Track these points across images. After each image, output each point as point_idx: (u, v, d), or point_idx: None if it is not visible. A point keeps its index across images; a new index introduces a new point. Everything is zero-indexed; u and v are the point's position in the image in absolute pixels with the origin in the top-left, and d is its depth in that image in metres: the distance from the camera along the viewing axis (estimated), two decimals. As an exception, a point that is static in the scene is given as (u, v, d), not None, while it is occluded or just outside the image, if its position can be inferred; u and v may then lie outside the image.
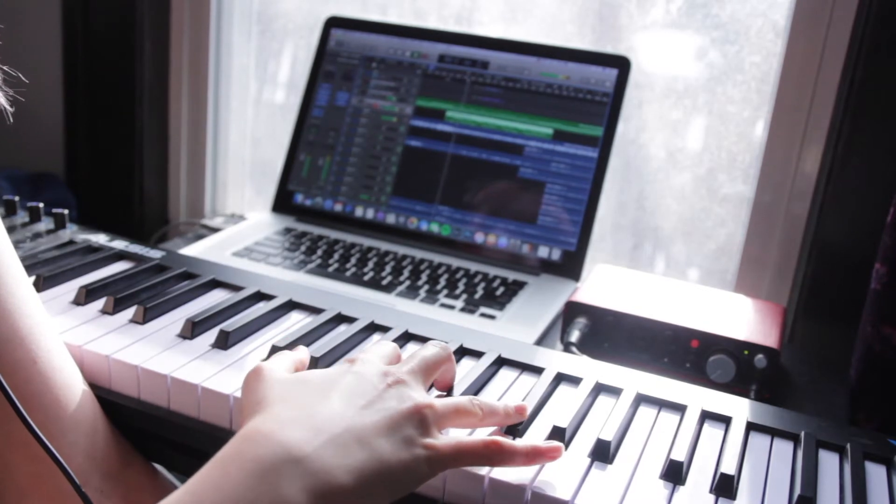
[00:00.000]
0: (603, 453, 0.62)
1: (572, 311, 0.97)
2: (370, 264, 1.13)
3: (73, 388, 0.66)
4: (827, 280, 1.10)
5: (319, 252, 1.16)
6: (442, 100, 1.24)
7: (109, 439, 0.68)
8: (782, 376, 1.00)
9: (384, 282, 1.08)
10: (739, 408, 0.70)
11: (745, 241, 1.20)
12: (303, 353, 0.68)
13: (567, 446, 0.63)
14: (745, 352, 0.90)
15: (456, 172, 1.21)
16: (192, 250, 1.13)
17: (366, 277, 1.09)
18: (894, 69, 1.02)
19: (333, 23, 1.31)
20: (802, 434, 0.66)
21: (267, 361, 0.62)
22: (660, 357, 0.94)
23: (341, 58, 1.30)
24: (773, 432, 0.68)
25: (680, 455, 0.62)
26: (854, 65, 1.05)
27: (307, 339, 0.75)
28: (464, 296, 1.07)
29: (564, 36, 1.33)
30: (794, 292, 1.15)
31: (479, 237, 1.19)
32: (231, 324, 0.75)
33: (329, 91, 1.29)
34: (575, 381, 0.72)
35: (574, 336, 0.94)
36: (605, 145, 1.16)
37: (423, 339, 0.77)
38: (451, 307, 1.04)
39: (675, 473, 0.61)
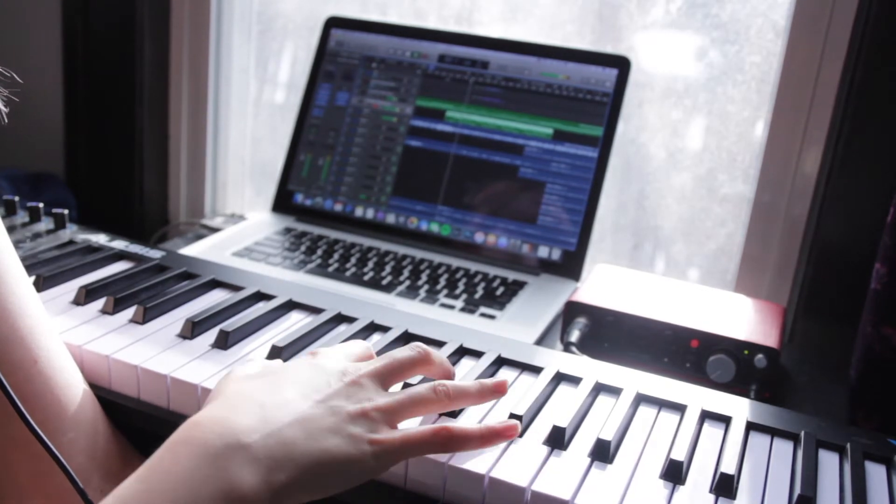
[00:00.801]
0: (603, 453, 0.62)
1: (572, 311, 0.97)
2: (370, 264, 1.13)
3: (73, 387, 0.66)
4: (827, 280, 1.10)
5: (319, 252, 1.16)
6: (442, 100, 1.24)
7: (110, 439, 0.68)
8: (782, 376, 1.00)
9: (384, 282, 1.08)
10: (739, 408, 0.70)
11: (745, 241, 1.20)
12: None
13: (567, 446, 0.63)
14: (745, 352, 0.90)
15: (456, 172, 1.21)
16: (192, 250, 1.13)
17: (366, 277, 1.09)
18: (894, 69, 1.02)
19: (333, 23, 1.31)
20: (802, 434, 0.66)
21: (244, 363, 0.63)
22: (660, 357, 0.94)
23: (341, 58, 1.30)
24: (773, 432, 0.68)
25: (680, 455, 0.62)
26: (854, 65, 1.05)
27: (307, 339, 0.75)
28: (464, 296, 1.07)
29: (564, 36, 1.33)
30: (794, 292, 1.15)
31: (479, 237, 1.19)
32: (231, 324, 0.75)
33: (329, 91, 1.29)
34: (575, 380, 0.72)
35: (574, 336, 0.94)
36: (605, 145, 1.16)
37: (423, 340, 0.77)
38: (451, 307, 1.04)
39: (675, 473, 0.61)
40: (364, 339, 0.77)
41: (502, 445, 0.61)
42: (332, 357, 0.62)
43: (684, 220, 1.31)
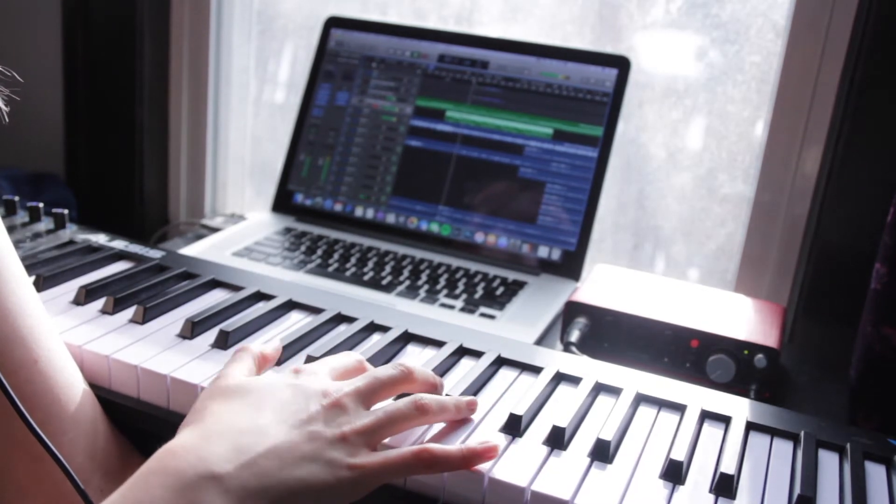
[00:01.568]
0: (603, 453, 0.62)
1: (572, 310, 0.97)
2: (370, 264, 1.13)
3: (73, 387, 0.66)
4: (827, 280, 1.10)
5: (319, 252, 1.16)
6: (442, 100, 1.24)
7: (110, 439, 0.68)
8: (782, 376, 1.00)
9: (384, 282, 1.08)
10: (739, 407, 0.70)
11: (745, 241, 1.20)
12: (268, 349, 0.68)
13: (567, 446, 0.63)
14: (745, 352, 0.90)
15: (456, 172, 1.21)
16: (192, 250, 1.13)
17: (366, 277, 1.09)
18: (894, 69, 1.02)
19: (333, 23, 1.31)
20: (802, 434, 0.66)
21: (227, 367, 0.62)
22: (660, 357, 0.94)
23: (341, 58, 1.30)
24: (772, 432, 0.68)
25: (680, 455, 0.62)
26: (854, 65, 1.05)
27: (307, 339, 0.75)
28: (464, 296, 1.07)
29: (564, 36, 1.33)
30: (794, 292, 1.15)
31: (479, 237, 1.19)
32: (231, 324, 0.75)
33: (329, 91, 1.29)
34: (575, 380, 0.72)
35: (574, 336, 0.94)
36: (605, 145, 1.16)
37: (423, 339, 0.77)
38: (451, 307, 1.04)
39: (674, 473, 0.61)
40: (364, 339, 0.77)
41: (502, 445, 0.61)
42: (314, 374, 0.61)
43: (684, 220, 1.31)
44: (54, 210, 0.94)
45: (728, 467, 0.61)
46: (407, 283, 1.09)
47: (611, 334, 0.96)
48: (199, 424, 0.55)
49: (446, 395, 0.66)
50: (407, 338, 0.77)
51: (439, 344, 0.76)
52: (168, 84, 1.50)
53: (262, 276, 0.87)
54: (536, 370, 0.73)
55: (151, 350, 0.71)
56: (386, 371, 0.63)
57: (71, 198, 1.56)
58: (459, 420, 0.64)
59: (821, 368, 1.03)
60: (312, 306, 0.81)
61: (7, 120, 0.63)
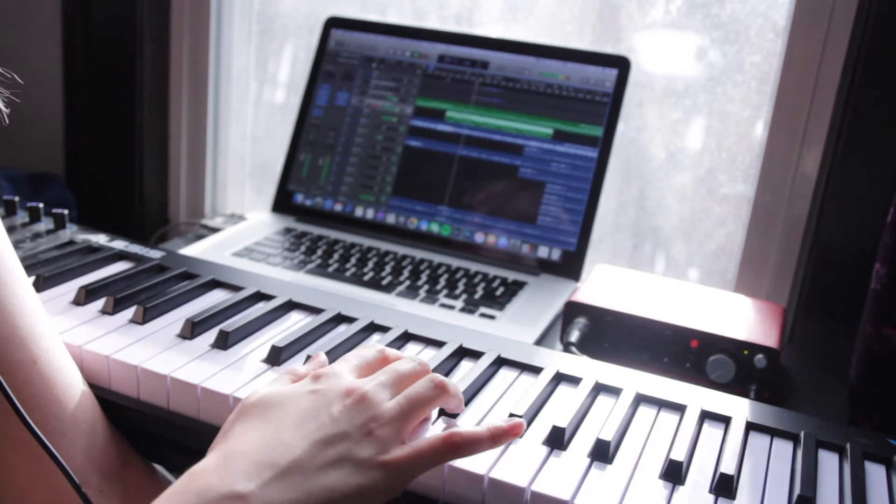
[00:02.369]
0: (603, 453, 0.62)
1: (572, 311, 0.97)
2: (370, 264, 1.13)
3: (72, 388, 0.66)
4: (827, 280, 1.10)
5: (319, 252, 1.16)
6: (442, 100, 1.24)
7: (108, 439, 0.68)
8: (782, 376, 1.00)
9: (384, 282, 1.08)
10: (739, 408, 0.70)
11: (745, 241, 1.20)
12: (312, 368, 0.65)
13: (567, 446, 0.63)
14: (745, 352, 0.90)
15: (458, 173, 1.21)
16: (192, 250, 1.13)
17: (366, 277, 1.09)
18: (894, 69, 1.02)
19: (333, 23, 1.31)
20: (802, 434, 0.66)
21: (266, 387, 0.61)
22: (660, 357, 0.94)
23: (341, 58, 1.30)
24: (772, 432, 0.68)
25: (679, 455, 0.62)
26: (854, 65, 1.05)
27: (307, 339, 0.75)
28: (464, 296, 1.07)
29: (564, 36, 1.33)
30: (794, 292, 1.15)
31: (478, 237, 1.19)
32: (231, 324, 0.75)
33: (329, 91, 1.29)
34: (575, 381, 0.72)
35: (574, 336, 0.94)
36: (605, 145, 1.16)
37: (422, 339, 0.77)
38: (451, 307, 1.04)
39: (674, 473, 0.61)
40: (364, 339, 0.77)
41: (502, 445, 0.61)
42: (335, 376, 0.60)
43: (684, 220, 1.31)
44: (54, 210, 0.94)
45: (728, 467, 0.61)
46: (407, 283, 1.09)
47: (611, 334, 0.96)
48: (222, 445, 0.54)
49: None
50: (407, 338, 0.77)
51: (439, 344, 0.76)
52: (168, 84, 1.50)
53: (262, 277, 0.87)
54: (536, 370, 0.73)
55: (151, 350, 0.71)
56: (406, 364, 0.62)
57: (71, 198, 1.56)
58: (437, 405, 0.63)
59: (821, 368, 1.03)
60: (312, 306, 0.81)
61: (7, 121, 0.63)
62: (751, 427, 0.68)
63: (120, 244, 0.91)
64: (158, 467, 0.74)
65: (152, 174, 1.54)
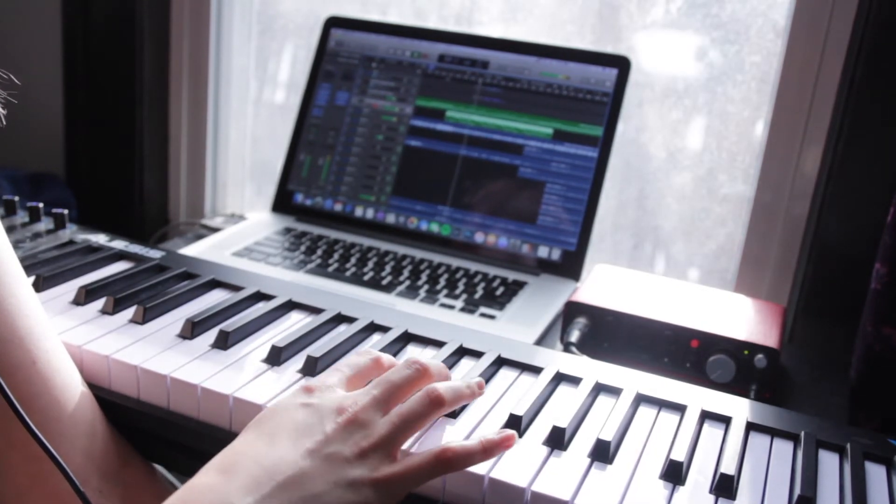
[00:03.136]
0: (603, 453, 0.62)
1: (572, 311, 0.97)
2: (370, 264, 1.13)
3: (72, 388, 0.66)
4: (827, 280, 1.10)
5: (319, 252, 1.16)
6: (442, 100, 1.24)
7: (108, 439, 0.68)
8: (782, 376, 1.00)
9: (384, 282, 1.08)
10: (739, 408, 0.70)
11: (745, 241, 1.20)
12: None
13: (567, 447, 0.63)
14: (745, 352, 0.90)
15: (456, 172, 1.21)
16: (192, 250, 1.13)
17: (366, 277, 1.09)
18: (894, 69, 1.02)
19: (333, 23, 1.31)
20: (802, 434, 0.66)
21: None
22: (660, 357, 0.94)
23: (341, 58, 1.30)
24: (773, 432, 0.68)
25: (680, 455, 0.61)
26: (854, 65, 1.05)
27: (307, 339, 0.75)
28: (464, 296, 1.07)
29: (564, 36, 1.33)
30: (794, 292, 1.15)
31: (478, 237, 1.19)
32: (231, 324, 0.75)
33: (329, 91, 1.29)
34: (575, 381, 0.72)
35: (574, 336, 0.94)
36: (604, 145, 1.16)
37: (423, 339, 0.77)
38: (451, 307, 1.04)
39: (674, 473, 0.61)
40: (364, 339, 0.77)
41: (494, 457, 0.61)
42: (328, 389, 0.59)
43: (684, 220, 1.31)
44: (54, 210, 0.94)
45: (728, 467, 0.61)
46: (407, 283, 1.09)
47: (611, 334, 0.96)
48: (220, 459, 0.54)
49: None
50: (407, 338, 0.77)
51: (439, 344, 0.76)
52: (168, 84, 1.50)
53: (262, 276, 0.87)
54: (536, 370, 0.73)
55: (151, 350, 0.71)
56: (400, 373, 0.62)
57: (71, 198, 1.56)
58: (434, 419, 0.63)
59: (821, 368, 1.03)
60: (312, 306, 0.81)
61: (4, 123, 0.63)
62: (751, 427, 0.68)
63: (120, 244, 0.91)
64: (158, 467, 0.74)
65: (152, 174, 1.54)
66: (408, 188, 1.23)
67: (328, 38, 1.31)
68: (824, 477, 0.63)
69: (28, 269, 0.73)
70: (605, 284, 1.02)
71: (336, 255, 1.15)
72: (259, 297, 0.82)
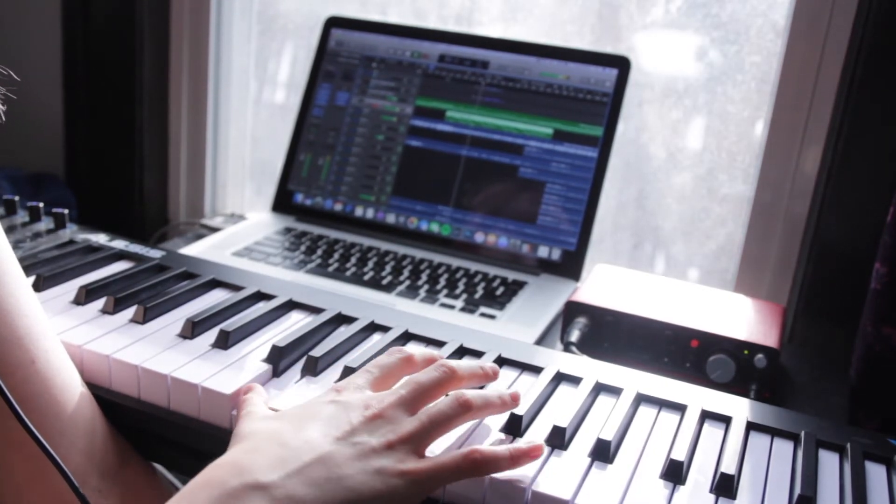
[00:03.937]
0: (603, 453, 0.62)
1: (572, 310, 0.97)
2: (370, 264, 1.13)
3: (71, 388, 0.66)
4: (827, 280, 1.10)
5: (319, 252, 1.16)
6: (442, 100, 1.24)
7: (107, 439, 0.68)
8: (782, 376, 1.00)
9: (384, 281, 1.08)
10: (739, 407, 0.70)
11: (745, 241, 1.20)
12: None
13: (567, 446, 0.63)
14: (745, 352, 0.90)
15: (456, 172, 1.21)
16: (192, 250, 1.13)
17: (366, 277, 1.09)
18: (894, 69, 1.02)
19: (333, 23, 1.31)
20: (802, 434, 0.66)
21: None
22: (660, 357, 0.94)
23: (341, 58, 1.30)
24: (773, 432, 0.68)
25: (680, 455, 0.61)
26: (854, 65, 1.05)
27: (307, 338, 0.74)
28: (464, 296, 1.07)
29: (564, 36, 1.33)
30: (794, 292, 1.15)
31: (479, 237, 1.19)
32: (231, 324, 0.75)
33: (329, 91, 1.29)
34: (575, 380, 0.72)
35: (574, 336, 0.94)
36: (604, 145, 1.16)
37: (423, 339, 0.77)
38: (451, 307, 1.04)
39: (675, 473, 0.61)
40: (364, 339, 0.77)
41: (503, 446, 0.61)
42: (355, 388, 0.60)
43: (684, 220, 1.31)
44: (54, 210, 0.94)
45: (728, 467, 0.61)
46: (407, 282, 1.09)
47: (611, 334, 0.96)
48: (243, 443, 0.54)
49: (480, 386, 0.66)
50: (407, 338, 0.77)
51: (439, 344, 0.76)
52: (168, 84, 1.50)
53: (262, 276, 0.87)
54: (537, 370, 0.73)
55: (152, 350, 0.71)
56: (428, 375, 0.62)
57: (71, 198, 1.55)
58: (461, 423, 0.63)
59: (821, 368, 1.03)
60: (312, 306, 0.81)
61: (4, 119, 0.63)
62: (751, 427, 0.68)
63: (120, 244, 0.91)
64: (158, 467, 0.74)
65: (152, 174, 1.54)
66: (408, 188, 1.23)
67: (328, 38, 1.31)
68: (824, 477, 0.63)
69: (28, 268, 0.73)
70: (605, 284, 1.02)
71: (336, 255, 1.15)
72: (259, 296, 0.82)
